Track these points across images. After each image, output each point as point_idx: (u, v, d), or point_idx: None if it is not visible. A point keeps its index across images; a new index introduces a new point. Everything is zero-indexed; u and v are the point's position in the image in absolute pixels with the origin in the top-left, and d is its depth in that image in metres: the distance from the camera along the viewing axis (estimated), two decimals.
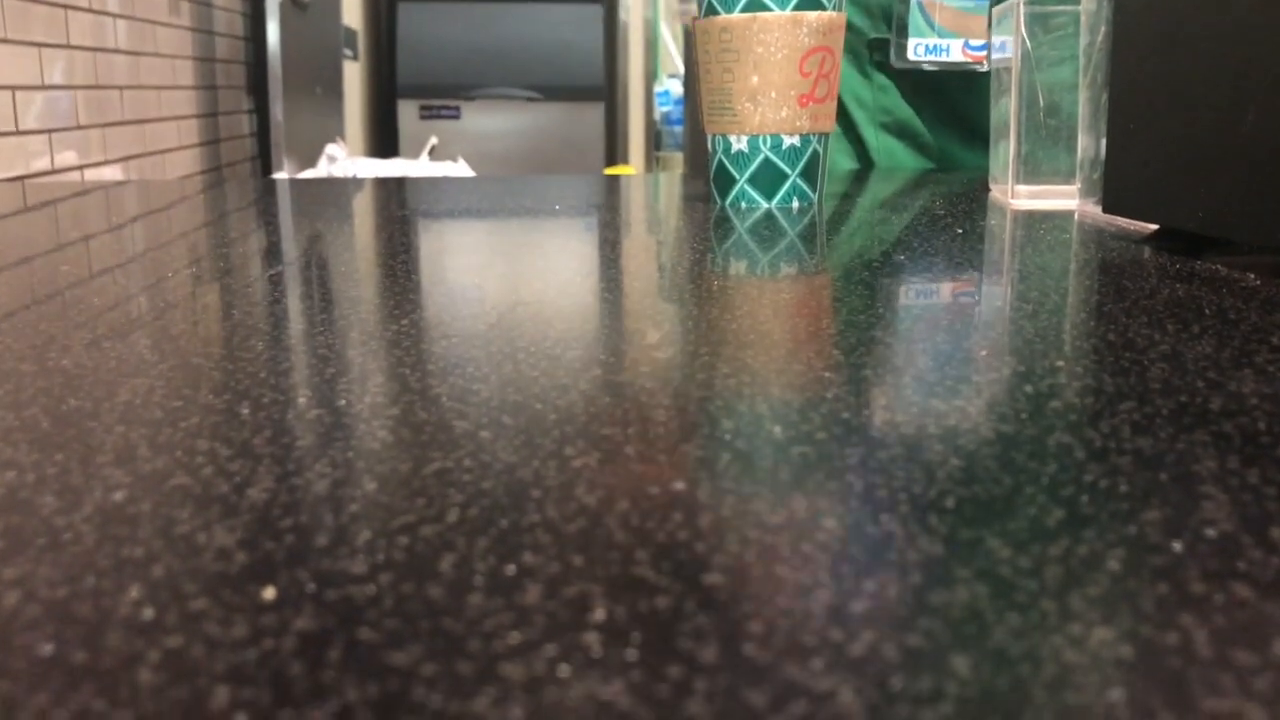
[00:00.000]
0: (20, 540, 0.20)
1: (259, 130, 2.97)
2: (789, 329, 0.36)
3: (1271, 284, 0.43)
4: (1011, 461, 0.24)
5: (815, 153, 0.71)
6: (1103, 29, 0.62)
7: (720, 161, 0.72)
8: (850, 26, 1.00)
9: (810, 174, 0.72)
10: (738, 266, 0.50)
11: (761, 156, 0.70)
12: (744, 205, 0.71)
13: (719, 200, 0.73)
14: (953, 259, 0.51)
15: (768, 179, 0.71)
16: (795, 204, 0.71)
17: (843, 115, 1.04)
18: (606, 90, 4.21)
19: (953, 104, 1.03)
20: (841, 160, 1.05)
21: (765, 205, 0.71)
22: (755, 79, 0.69)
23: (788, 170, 0.71)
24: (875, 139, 1.04)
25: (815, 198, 0.72)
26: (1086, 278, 0.47)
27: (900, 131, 1.04)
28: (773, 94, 0.69)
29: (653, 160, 4.57)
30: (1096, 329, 0.36)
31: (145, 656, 0.16)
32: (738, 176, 0.71)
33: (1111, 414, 0.27)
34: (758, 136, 0.70)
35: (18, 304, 0.41)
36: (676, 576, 0.18)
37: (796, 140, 0.70)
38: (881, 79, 1.03)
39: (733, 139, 0.71)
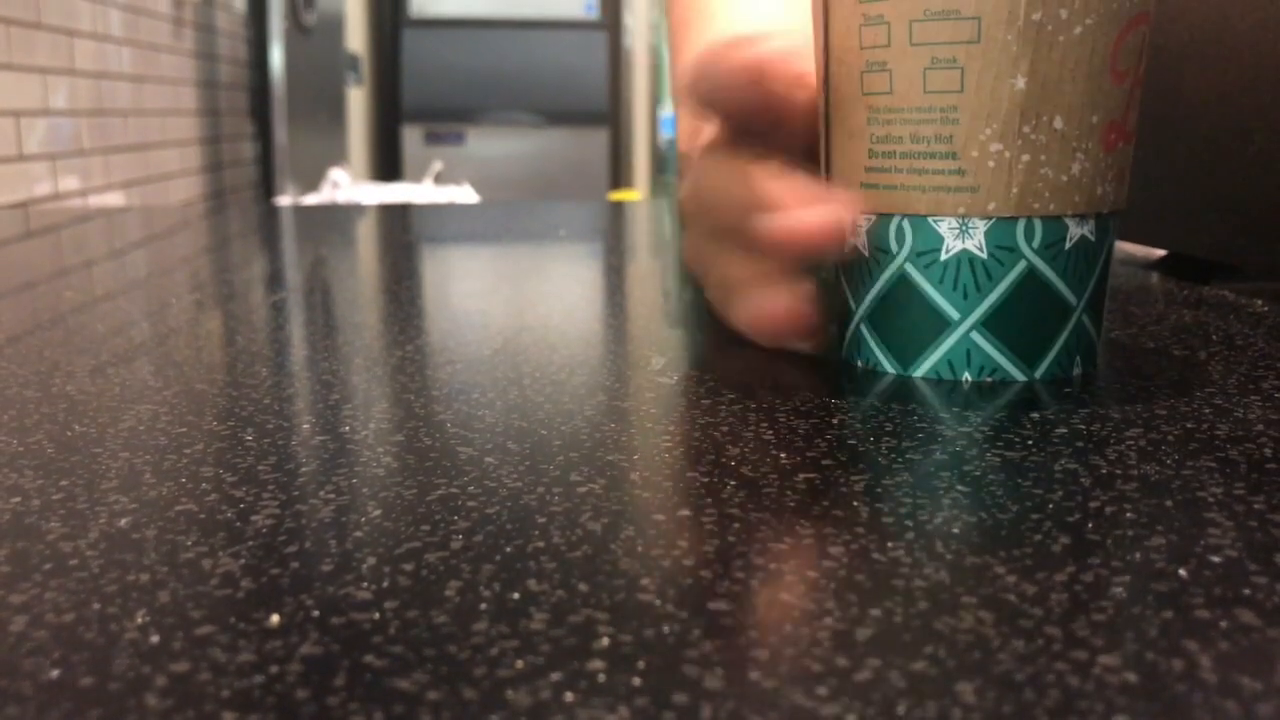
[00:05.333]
0: (26, 565, 0.20)
1: (262, 155, 2.98)
2: (795, 354, 0.36)
3: (1279, 310, 0.43)
4: (1017, 487, 0.24)
5: None
6: None
7: None
8: None
9: None
10: None
11: None
12: None
13: None
14: None
15: None
16: None
17: None
18: (611, 115, 4.23)
19: None
20: None
21: None
22: None
23: None
24: None
25: None
26: None
27: None
28: None
29: (658, 185, 4.58)
30: (1102, 354, 0.36)
31: (151, 682, 0.16)
32: None
33: (1118, 440, 0.27)
34: None
35: (21, 329, 0.41)
36: (682, 603, 0.18)
37: None
38: None
39: None
